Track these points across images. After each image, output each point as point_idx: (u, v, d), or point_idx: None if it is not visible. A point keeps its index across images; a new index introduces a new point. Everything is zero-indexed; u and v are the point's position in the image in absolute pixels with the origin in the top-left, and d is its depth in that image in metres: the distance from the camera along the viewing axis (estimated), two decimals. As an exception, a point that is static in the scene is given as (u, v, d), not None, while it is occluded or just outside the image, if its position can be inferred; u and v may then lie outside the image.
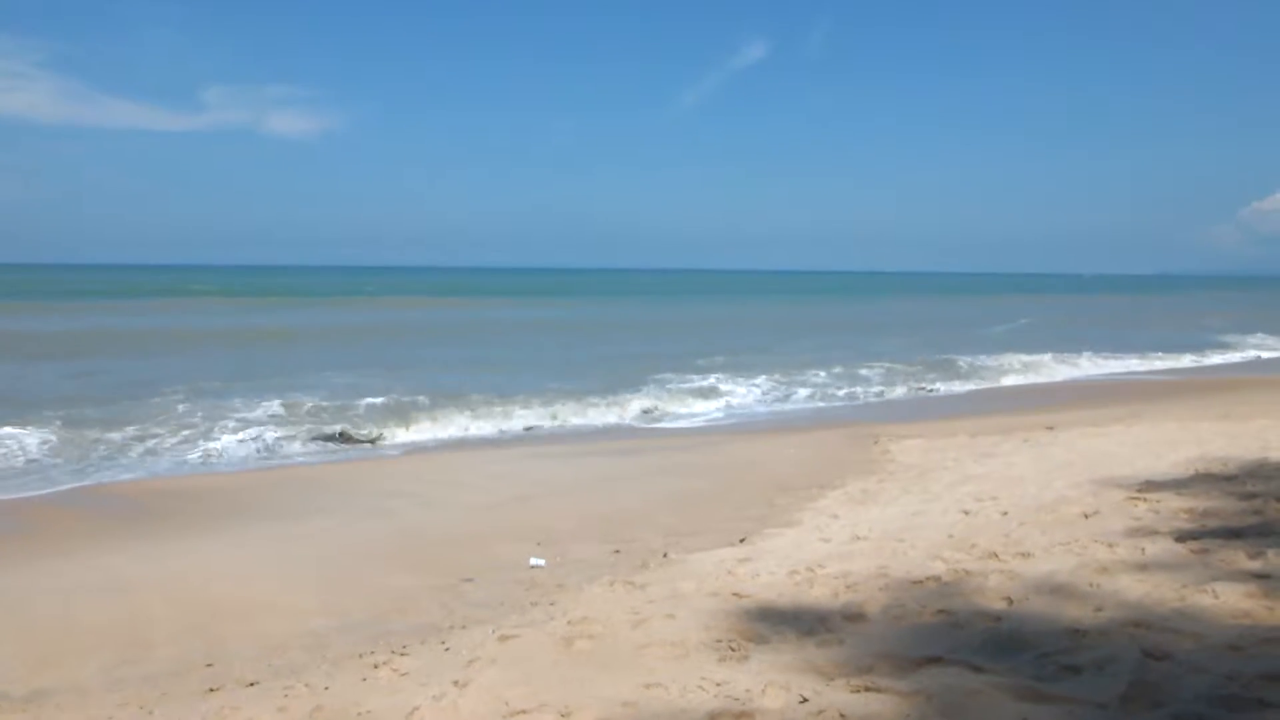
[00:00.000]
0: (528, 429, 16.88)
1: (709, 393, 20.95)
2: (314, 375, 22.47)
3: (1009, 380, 24.63)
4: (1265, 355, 32.09)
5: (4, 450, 13.66)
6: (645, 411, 18.70)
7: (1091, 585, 5.48)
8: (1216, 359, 30.62)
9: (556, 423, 17.42)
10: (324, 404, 18.05)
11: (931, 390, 22.73)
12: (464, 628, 6.27)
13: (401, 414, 17.00)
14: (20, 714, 5.36)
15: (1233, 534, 6.37)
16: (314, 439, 15.28)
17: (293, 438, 15.25)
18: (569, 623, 5.69)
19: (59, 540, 9.24)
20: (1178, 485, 8.46)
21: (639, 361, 26.18)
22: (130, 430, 15.24)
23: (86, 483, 12.26)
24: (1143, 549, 6.18)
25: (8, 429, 14.64)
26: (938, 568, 6.22)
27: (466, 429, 16.51)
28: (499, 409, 17.66)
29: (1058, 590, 5.45)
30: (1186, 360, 29.70)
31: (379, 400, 18.36)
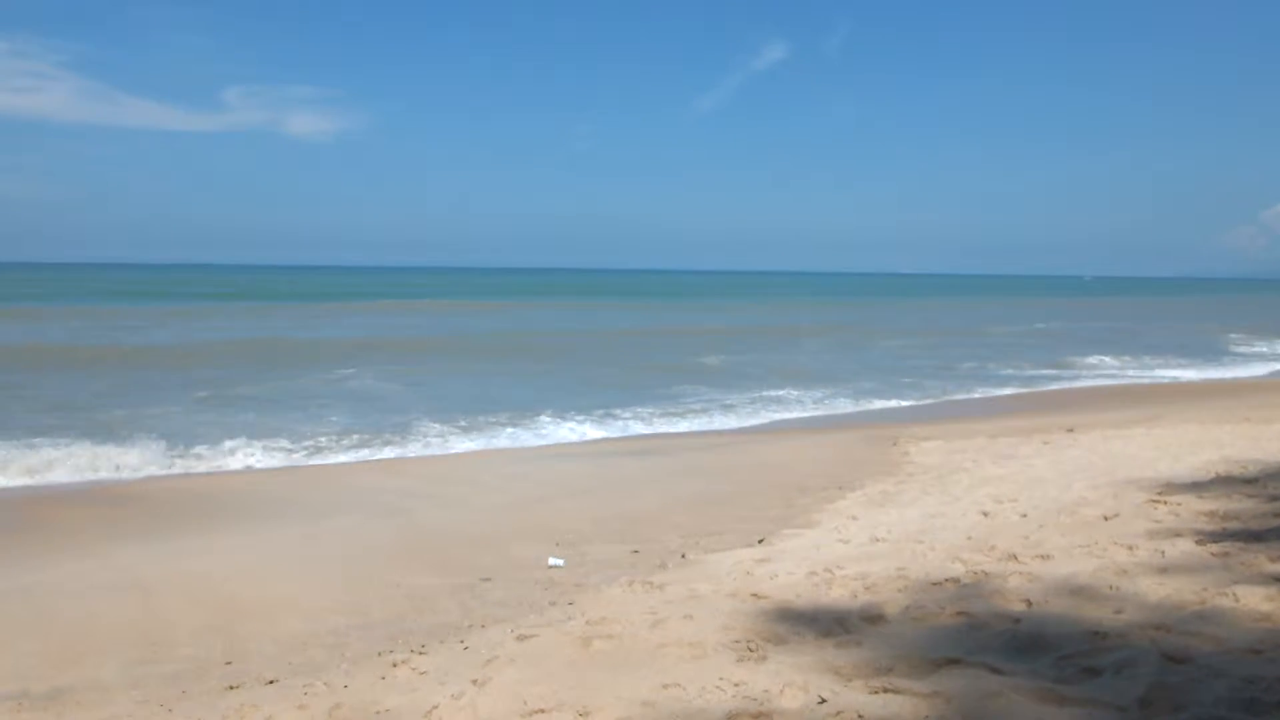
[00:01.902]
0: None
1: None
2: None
3: (1024, 386, 24.54)
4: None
5: (26, 450, 13.75)
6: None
7: (1111, 587, 5.45)
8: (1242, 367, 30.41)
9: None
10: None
11: (950, 395, 22.66)
12: (482, 627, 6.28)
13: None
14: (42, 711, 5.39)
15: (1254, 537, 6.33)
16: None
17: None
18: (587, 622, 5.70)
19: (76, 538, 9.30)
20: (1198, 488, 8.42)
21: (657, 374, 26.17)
22: (153, 432, 15.34)
23: (100, 482, 12.34)
24: (1163, 551, 6.15)
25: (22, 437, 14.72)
26: (957, 569, 6.20)
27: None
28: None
29: (1077, 592, 5.43)
30: (1205, 364, 29.56)
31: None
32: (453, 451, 15.01)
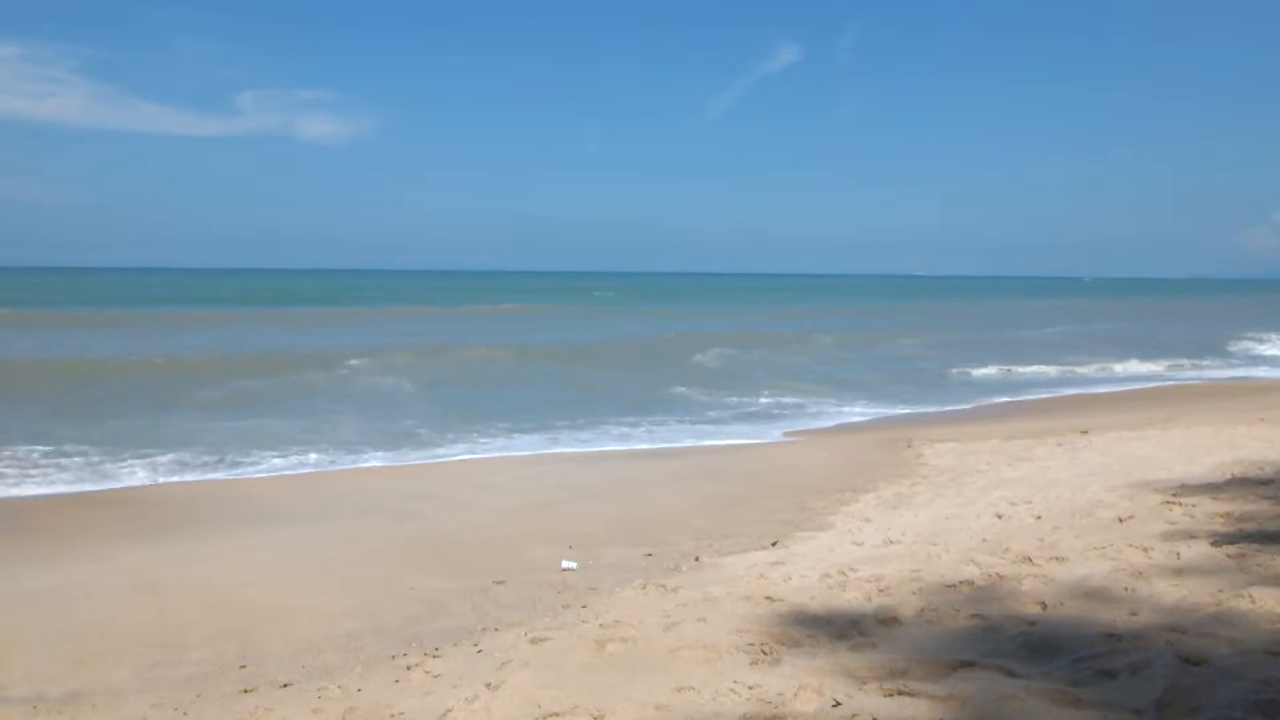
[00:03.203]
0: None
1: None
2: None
3: (1037, 388, 24.47)
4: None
5: (37, 452, 13.82)
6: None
7: (1126, 589, 5.43)
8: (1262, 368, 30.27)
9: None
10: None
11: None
12: (496, 630, 6.29)
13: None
14: (57, 715, 5.41)
15: (1269, 538, 6.30)
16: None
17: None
18: (601, 625, 5.70)
19: (88, 543, 9.32)
20: (1213, 489, 8.38)
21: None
22: (164, 438, 15.41)
23: (114, 485, 12.37)
24: (1178, 553, 6.13)
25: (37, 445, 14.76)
26: (971, 572, 6.19)
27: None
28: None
29: (1092, 594, 5.41)
30: (1218, 365, 29.49)
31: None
32: (464, 456, 15.01)
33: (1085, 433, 13.80)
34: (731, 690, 4.35)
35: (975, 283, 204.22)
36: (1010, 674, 4.25)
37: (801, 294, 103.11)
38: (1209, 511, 7.38)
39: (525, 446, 15.52)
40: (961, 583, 5.92)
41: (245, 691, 5.50)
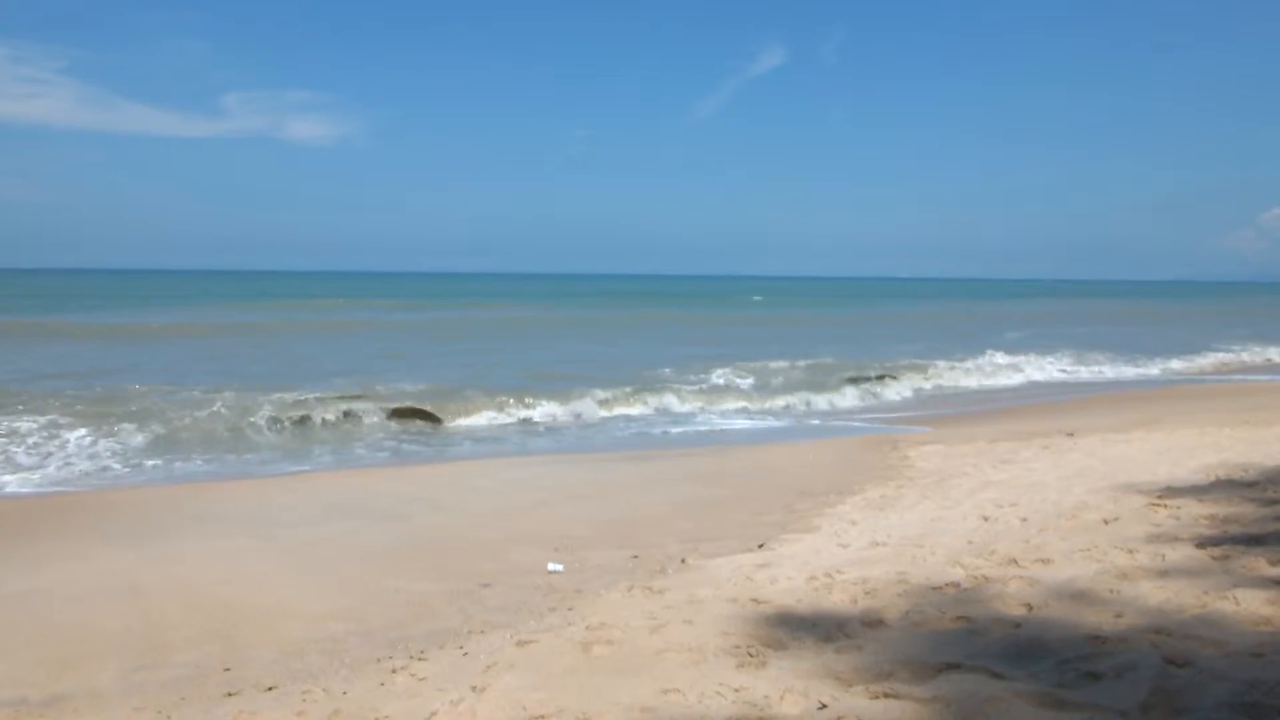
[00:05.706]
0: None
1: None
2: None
3: (1023, 391, 24.55)
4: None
5: (27, 448, 13.76)
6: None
7: (1112, 591, 5.44)
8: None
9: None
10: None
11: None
12: (482, 633, 6.27)
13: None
14: (39, 718, 5.38)
15: (1254, 540, 6.32)
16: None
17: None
18: (587, 628, 5.69)
19: (72, 544, 9.27)
20: (1198, 491, 8.40)
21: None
22: (150, 435, 15.35)
23: (101, 485, 12.32)
24: (1163, 555, 6.14)
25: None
26: (957, 574, 6.19)
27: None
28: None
29: (1078, 597, 5.42)
30: (1199, 367, 29.64)
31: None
32: (451, 458, 14.99)
33: (1071, 435, 13.84)
34: (717, 693, 4.34)
35: (947, 286, 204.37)
36: (996, 676, 4.26)
37: (784, 298, 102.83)
38: (1194, 514, 7.39)
39: (510, 450, 15.53)
40: (947, 585, 5.93)
41: (229, 695, 5.48)
